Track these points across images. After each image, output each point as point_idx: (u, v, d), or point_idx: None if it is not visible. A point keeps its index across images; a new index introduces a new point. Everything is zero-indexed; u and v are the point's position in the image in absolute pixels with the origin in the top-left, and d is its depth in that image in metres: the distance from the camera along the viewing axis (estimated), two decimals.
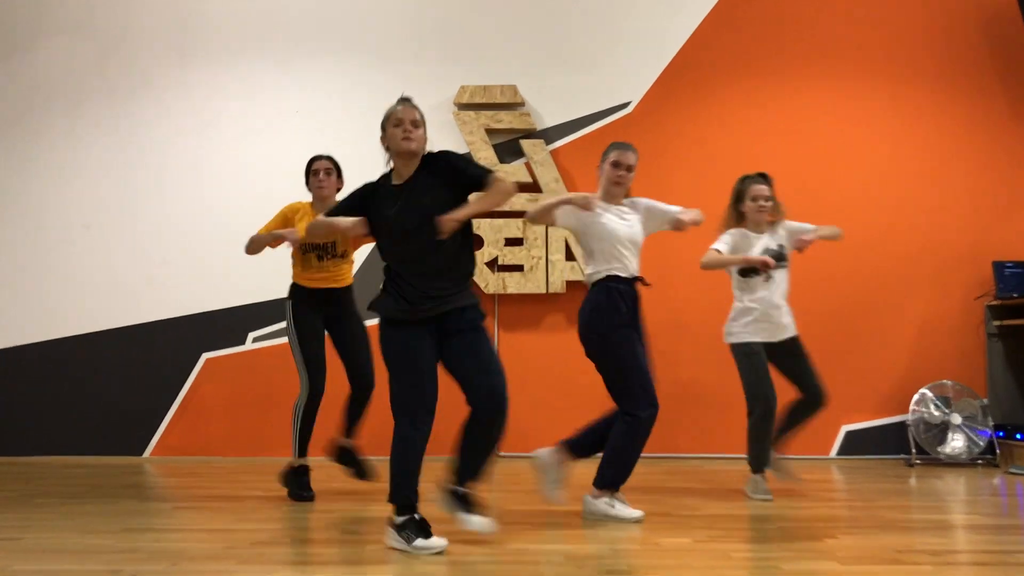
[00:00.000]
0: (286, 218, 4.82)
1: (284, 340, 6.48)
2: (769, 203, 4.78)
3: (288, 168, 6.60)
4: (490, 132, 6.50)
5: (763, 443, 4.73)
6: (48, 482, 5.34)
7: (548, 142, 6.53)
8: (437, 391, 3.52)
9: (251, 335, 6.52)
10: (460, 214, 3.43)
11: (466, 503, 3.57)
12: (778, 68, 6.63)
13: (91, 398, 6.47)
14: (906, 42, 6.63)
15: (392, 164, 3.62)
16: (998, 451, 6.15)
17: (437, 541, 3.45)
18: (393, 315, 3.51)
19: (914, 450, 6.17)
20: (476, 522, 3.53)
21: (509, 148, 6.54)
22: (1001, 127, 6.57)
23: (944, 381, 6.25)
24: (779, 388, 4.68)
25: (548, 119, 6.59)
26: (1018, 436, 6.04)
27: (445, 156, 3.62)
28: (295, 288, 4.85)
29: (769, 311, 4.73)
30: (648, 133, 6.59)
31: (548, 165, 6.44)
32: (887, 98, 6.61)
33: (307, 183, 4.86)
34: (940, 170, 6.57)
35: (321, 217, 3.71)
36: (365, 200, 3.62)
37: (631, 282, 4.17)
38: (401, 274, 3.54)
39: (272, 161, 6.62)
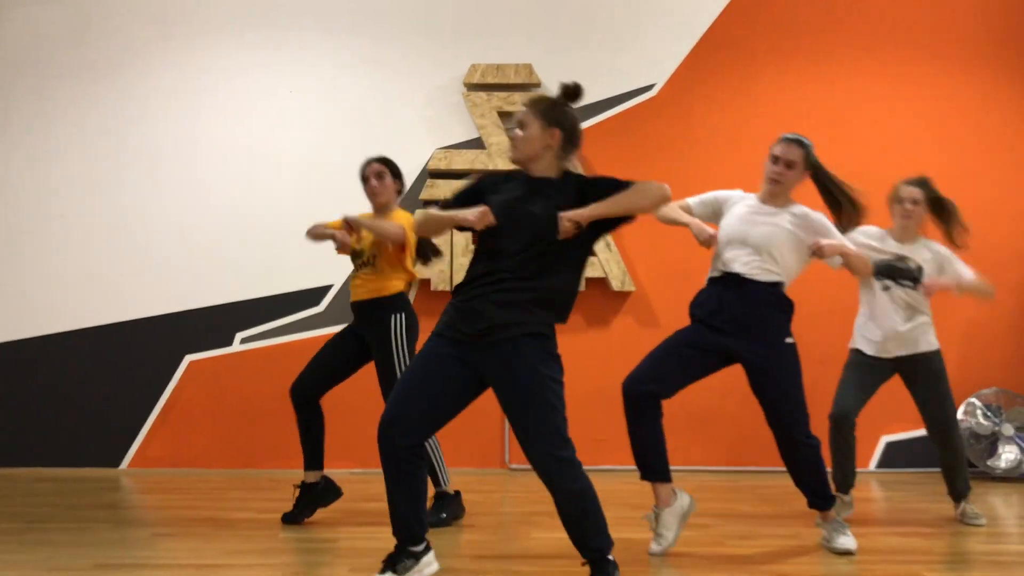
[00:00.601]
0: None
1: (274, 341, 5.98)
2: (916, 207, 4.29)
3: (282, 152, 6.06)
4: (503, 115, 5.95)
5: (835, 459, 4.23)
6: (11, 501, 4.75)
7: None
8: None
9: (239, 336, 5.95)
10: (583, 213, 2.87)
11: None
12: (816, 49, 6.13)
13: (63, 404, 5.87)
14: (958, 23, 6.15)
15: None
16: None
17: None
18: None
19: None
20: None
21: None
22: None
23: (993, 388, 5.81)
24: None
25: None
26: None
27: (592, 179, 3.09)
28: None
29: (881, 322, 4.26)
30: (673, 118, 6.10)
31: None
32: (935, 85, 6.13)
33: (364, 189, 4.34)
34: (992, 163, 6.11)
35: (434, 210, 3.10)
36: (480, 193, 3.06)
37: (718, 280, 3.75)
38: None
39: (263, 145, 6.05)
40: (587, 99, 6.08)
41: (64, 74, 6.06)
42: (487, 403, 3.17)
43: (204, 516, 4.34)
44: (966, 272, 4.30)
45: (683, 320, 3.87)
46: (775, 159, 3.74)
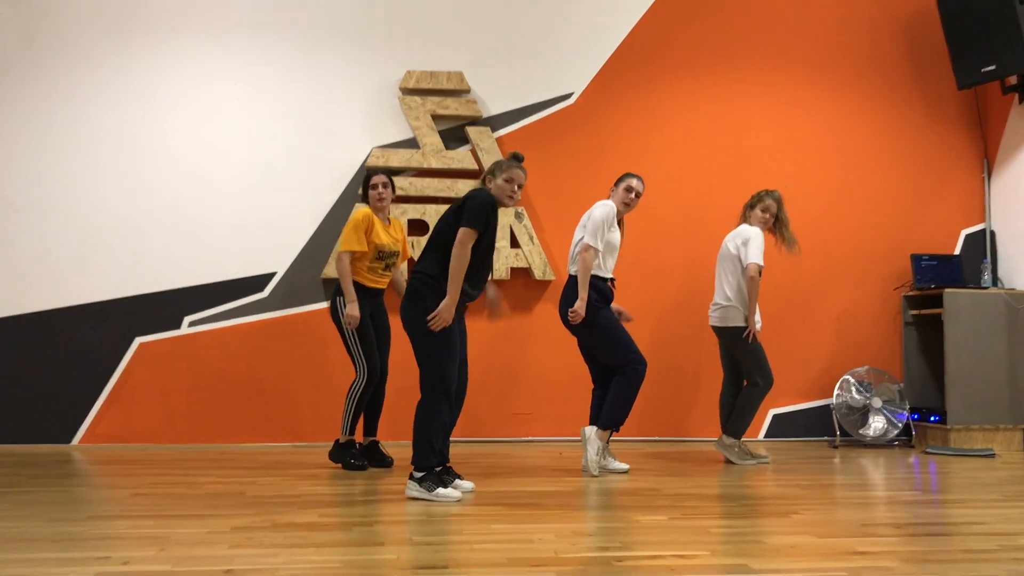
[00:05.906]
0: (357, 225, 5.03)
1: (221, 325, 6.38)
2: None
3: (224, 147, 6.47)
4: (436, 118, 6.50)
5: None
6: None
7: (493, 129, 6.57)
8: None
9: (187, 319, 6.34)
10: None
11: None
12: (710, 68, 6.88)
13: (15, 384, 6.17)
14: (830, 51, 7.00)
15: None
16: (914, 432, 6.55)
17: (452, 492, 4.10)
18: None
19: (838, 432, 6.51)
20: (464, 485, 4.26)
21: (455, 134, 6.56)
22: (918, 131, 7.01)
23: (866, 367, 6.63)
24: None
25: (493, 107, 6.63)
26: (932, 419, 6.45)
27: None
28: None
29: None
30: (589, 124, 6.73)
31: (494, 152, 6.49)
32: (815, 103, 6.96)
33: (364, 195, 5.17)
34: (865, 169, 6.98)
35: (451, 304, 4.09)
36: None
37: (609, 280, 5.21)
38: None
39: (208, 139, 6.45)
40: (513, 104, 6.79)
41: (15, 67, 6.33)
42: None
43: (170, 480, 4.76)
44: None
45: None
46: (629, 188, 5.14)
